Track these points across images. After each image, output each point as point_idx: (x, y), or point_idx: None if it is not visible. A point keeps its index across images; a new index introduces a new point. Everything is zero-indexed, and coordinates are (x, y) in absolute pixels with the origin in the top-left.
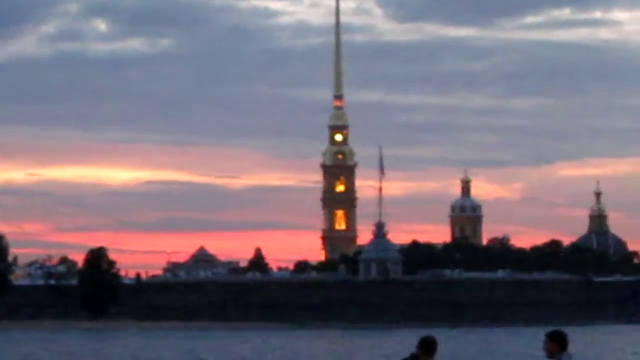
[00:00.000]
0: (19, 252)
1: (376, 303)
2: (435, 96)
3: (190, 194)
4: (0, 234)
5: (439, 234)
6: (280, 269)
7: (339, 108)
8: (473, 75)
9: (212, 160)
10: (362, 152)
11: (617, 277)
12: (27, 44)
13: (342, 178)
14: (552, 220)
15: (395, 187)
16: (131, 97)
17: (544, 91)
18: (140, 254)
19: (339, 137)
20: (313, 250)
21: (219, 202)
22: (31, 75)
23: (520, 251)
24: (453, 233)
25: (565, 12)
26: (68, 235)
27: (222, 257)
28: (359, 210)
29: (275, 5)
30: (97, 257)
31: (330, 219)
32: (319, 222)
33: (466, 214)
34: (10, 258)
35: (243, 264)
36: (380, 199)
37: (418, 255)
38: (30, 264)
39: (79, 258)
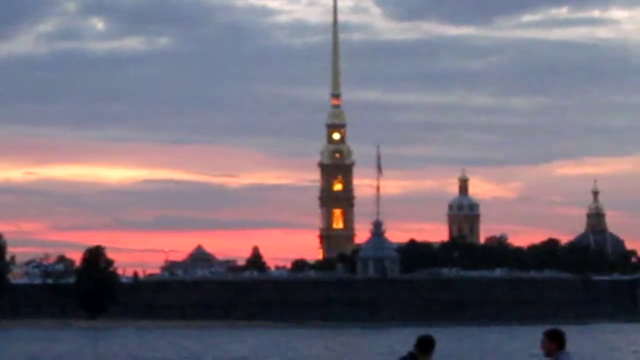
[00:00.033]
0: (16, 250)
1: (374, 302)
2: (433, 95)
3: (187, 192)
4: None
5: (437, 232)
6: (278, 267)
7: (336, 107)
8: (471, 74)
9: (210, 159)
10: (359, 150)
11: (615, 276)
12: (25, 42)
13: (339, 177)
14: (549, 219)
15: (393, 185)
16: (129, 96)
17: (541, 90)
18: (138, 253)
19: (336, 136)
20: (311, 248)
21: (216, 200)
22: (29, 74)
23: (518, 250)
24: (451, 232)
25: (563, 11)
26: (66, 234)
27: (220, 255)
28: (357, 209)
29: (272, 4)
30: (94, 255)
31: (328, 217)
32: (317, 220)
33: (464, 212)
34: (7, 257)
35: (241, 262)
36: (377, 198)
37: (416, 253)
38: (28, 263)
39: (76, 257)
